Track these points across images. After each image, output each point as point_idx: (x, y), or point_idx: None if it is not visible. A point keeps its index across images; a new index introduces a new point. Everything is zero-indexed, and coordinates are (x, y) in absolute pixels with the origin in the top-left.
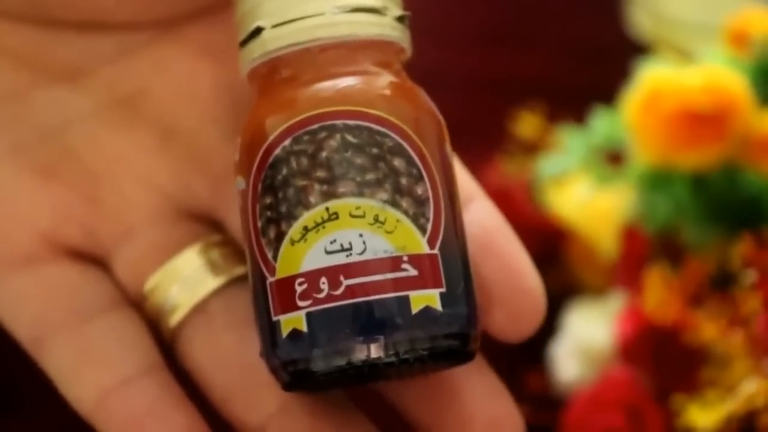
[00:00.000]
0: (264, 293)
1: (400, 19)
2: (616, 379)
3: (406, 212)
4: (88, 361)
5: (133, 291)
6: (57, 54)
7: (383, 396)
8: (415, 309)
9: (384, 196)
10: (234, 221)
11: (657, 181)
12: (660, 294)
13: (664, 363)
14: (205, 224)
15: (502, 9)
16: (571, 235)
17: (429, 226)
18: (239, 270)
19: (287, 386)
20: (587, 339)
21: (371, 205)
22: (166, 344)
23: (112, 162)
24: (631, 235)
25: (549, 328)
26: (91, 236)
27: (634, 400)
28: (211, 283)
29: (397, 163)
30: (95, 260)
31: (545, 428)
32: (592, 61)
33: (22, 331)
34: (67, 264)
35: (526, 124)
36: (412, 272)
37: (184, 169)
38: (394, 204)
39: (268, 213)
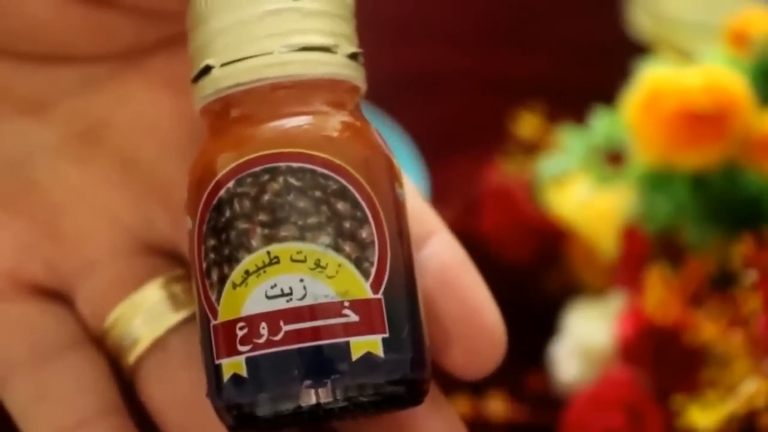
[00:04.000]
0: (208, 335)
1: (352, 56)
2: (616, 379)
3: (348, 256)
4: (46, 401)
5: (95, 326)
6: (21, 86)
7: None
8: (356, 355)
9: (326, 240)
10: None
11: (657, 181)
12: (660, 294)
13: (664, 363)
14: (166, 258)
15: (502, 9)
16: (571, 235)
17: (373, 271)
18: None
19: (232, 429)
20: (587, 339)
21: (313, 249)
22: (126, 380)
23: (74, 195)
24: (631, 235)
25: (549, 328)
26: (53, 272)
27: (634, 400)
28: (172, 317)
29: (341, 206)
30: (58, 295)
31: (545, 428)
32: (592, 61)
33: None
34: (29, 301)
35: (526, 124)
36: (353, 318)
37: (146, 202)
38: (337, 248)
39: (212, 255)
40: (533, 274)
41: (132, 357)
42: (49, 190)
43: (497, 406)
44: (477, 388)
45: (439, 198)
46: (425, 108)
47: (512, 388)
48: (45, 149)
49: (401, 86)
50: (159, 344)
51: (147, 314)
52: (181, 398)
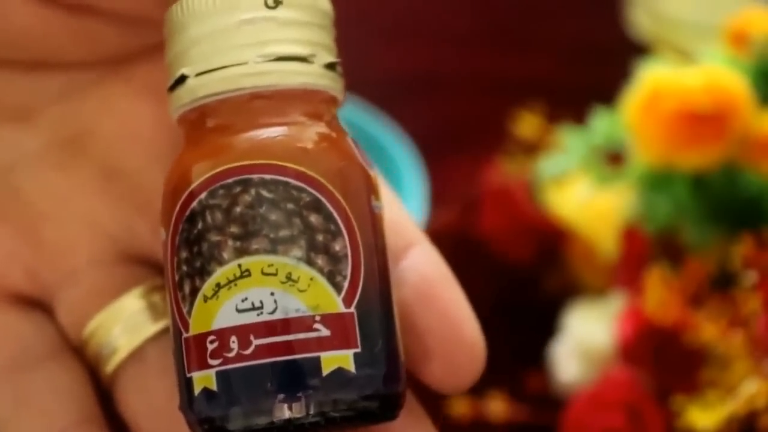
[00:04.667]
0: (180, 348)
1: (330, 66)
2: (616, 379)
3: (321, 270)
4: (24, 411)
5: (74, 335)
6: (5, 93)
7: None
8: (326, 370)
9: (298, 253)
10: None
11: (657, 181)
12: (660, 294)
13: (664, 363)
14: (147, 267)
15: (502, 10)
16: (571, 235)
17: (346, 284)
18: None
19: None
20: (587, 339)
21: (284, 262)
22: (104, 390)
23: (57, 203)
24: (631, 235)
25: (549, 328)
26: (34, 279)
27: (634, 400)
28: (150, 328)
29: (314, 219)
30: (38, 304)
31: (545, 428)
32: (592, 61)
33: None
34: (9, 309)
35: (526, 124)
36: (324, 332)
37: (127, 210)
38: (309, 261)
39: (184, 267)
40: (533, 274)
41: (110, 366)
42: (31, 197)
43: (497, 406)
44: (477, 388)
45: (438, 198)
46: (425, 108)
47: (512, 388)
48: (29, 157)
49: (401, 86)
50: (137, 354)
51: (126, 324)
52: (157, 409)
